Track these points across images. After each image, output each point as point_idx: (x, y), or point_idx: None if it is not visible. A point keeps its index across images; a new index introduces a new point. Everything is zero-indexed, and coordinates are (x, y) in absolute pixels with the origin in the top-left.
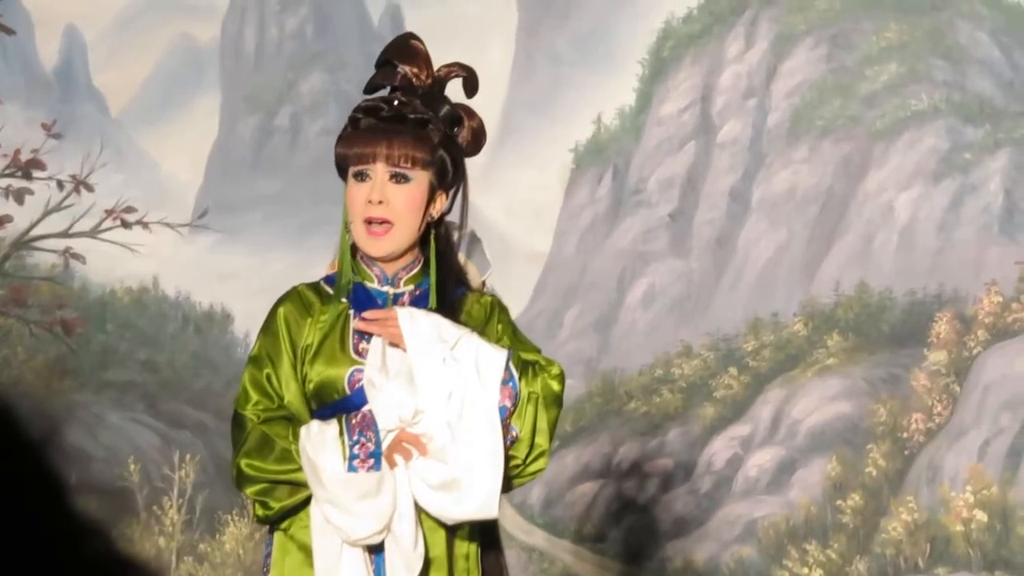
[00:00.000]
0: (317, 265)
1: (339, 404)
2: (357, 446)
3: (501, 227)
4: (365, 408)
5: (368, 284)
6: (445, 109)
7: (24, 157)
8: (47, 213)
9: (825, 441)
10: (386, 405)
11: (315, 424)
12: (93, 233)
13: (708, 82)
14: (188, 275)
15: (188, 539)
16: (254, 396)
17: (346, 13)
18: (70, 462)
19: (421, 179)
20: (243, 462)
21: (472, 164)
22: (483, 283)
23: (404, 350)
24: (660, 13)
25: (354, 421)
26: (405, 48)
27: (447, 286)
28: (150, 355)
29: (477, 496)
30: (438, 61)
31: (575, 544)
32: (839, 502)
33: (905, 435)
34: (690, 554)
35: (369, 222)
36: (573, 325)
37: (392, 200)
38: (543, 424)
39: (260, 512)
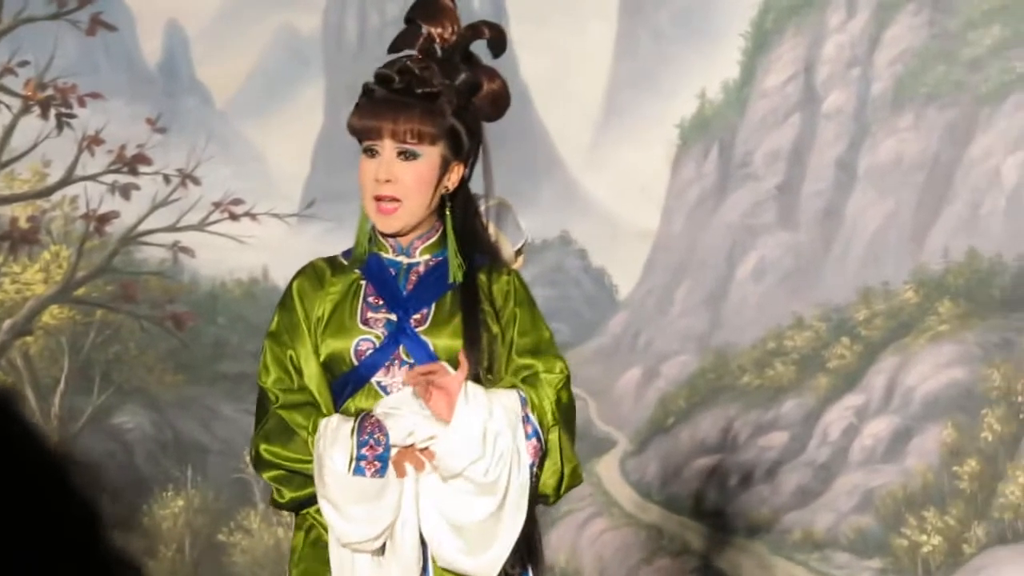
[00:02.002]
0: None
1: (348, 376)
2: (366, 447)
3: (608, 206)
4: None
5: (383, 254)
6: (462, 77)
7: (130, 152)
8: (154, 208)
9: (940, 408)
10: (400, 425)
11: (335, 419)
12: (201, 226)
13: (811, 53)
14: (298, 265)
15: None
16: (274, 371)
17: None
18: (186, 455)
19: (431, 154)
20: (262, 446)
21: (577, 143)
22: (517, 253)
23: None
24: None
25: (368, 421)
26: (431, 5)
27: (470, 256)
28: (262, 346)
29: (483, 560)
30: (539, 42)
31: (693, 520)
32: (956, 468)
33: (1020, 399)
34: (808, 525)
35: (379, 199)
36: (684, 301)
37: (400, 177)
38: (568, 451)
39: (276, 498)
